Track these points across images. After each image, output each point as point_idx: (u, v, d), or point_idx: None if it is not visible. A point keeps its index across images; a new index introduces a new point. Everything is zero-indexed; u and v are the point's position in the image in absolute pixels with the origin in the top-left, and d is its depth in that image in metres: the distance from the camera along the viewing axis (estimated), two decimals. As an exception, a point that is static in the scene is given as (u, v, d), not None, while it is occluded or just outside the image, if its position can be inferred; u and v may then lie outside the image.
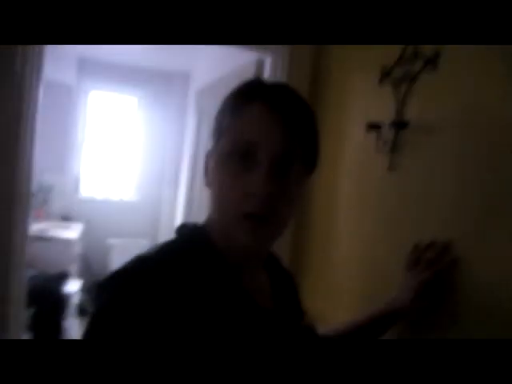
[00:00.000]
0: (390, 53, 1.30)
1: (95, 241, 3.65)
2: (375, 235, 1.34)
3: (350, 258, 1.45)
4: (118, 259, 3.62)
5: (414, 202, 1.20)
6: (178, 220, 3.50)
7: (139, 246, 3.74)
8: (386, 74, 1.32)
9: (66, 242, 3.02)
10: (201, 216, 2.28)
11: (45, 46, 1.32)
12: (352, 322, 0.93)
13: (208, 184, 0.64)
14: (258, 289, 0.65)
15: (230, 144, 0.57)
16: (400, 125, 1.22)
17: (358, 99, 1.47)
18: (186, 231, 0.65)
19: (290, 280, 0.80)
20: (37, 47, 1.30)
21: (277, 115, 0.56)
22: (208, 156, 0.65)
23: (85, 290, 3.18)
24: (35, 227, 3.08)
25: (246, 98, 0.59)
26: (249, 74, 1.79)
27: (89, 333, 0.51)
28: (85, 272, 3.49)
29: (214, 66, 2.66)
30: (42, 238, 2.93)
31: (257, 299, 0.61)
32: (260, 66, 1.76)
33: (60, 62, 3.14)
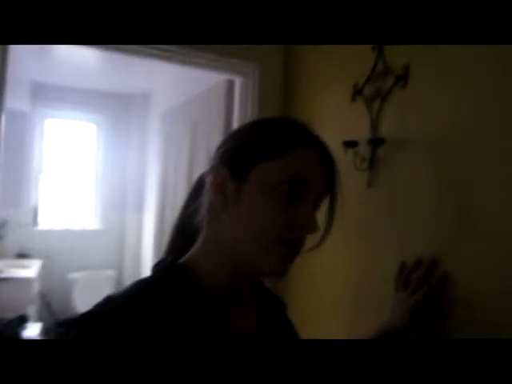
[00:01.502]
0: (360, 70, 1.32)
1: (55, 277, 3.41)
2: (357, 252, 1.32)
3: (332, 276, 1.43)
4: (81, 294, 3.41)
5: (394, 217, 1.20)
6: (146, 247, 3.37)
7: (104, 277, 3.55)
8: (358, 91, 1.33)
9: (24, 282, 2.80)
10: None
11: (4, 72, 1.25)
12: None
13: (223, 203, 0.60)
14: (244, 323, 0.62)
15: (278, 173, 0.59)
16: (376, 141, 1.22)
17: (332, 116, 1.47)
18: (163, 268, 0.62)
19: (281, 308, 0.77)
20: None
21: (322, 160, 0.62)
22: (222, 174, 0.61)
23: (45, 332, 2.94)
24: (-12, 267, 2.86)
25: (292, 138, 0.62)
26: (219, 95, 1.77)
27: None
28: (45, 312, 3.25)
29: (178, 89, 2.63)
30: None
31: (241, 333, 0.59)
32: (230, 86, 1.74)
33: (13, 87, 2.99)
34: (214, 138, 1.84)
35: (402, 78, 1.18)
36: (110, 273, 3.63)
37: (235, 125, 1.71)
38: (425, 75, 1.12)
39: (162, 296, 0.55)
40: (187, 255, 0.63)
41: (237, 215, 0.59)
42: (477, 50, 0.97)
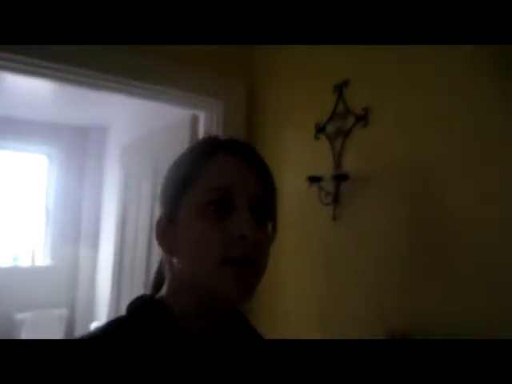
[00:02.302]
0: (321, 109, 1.40)
1: (1, 317, 3.15)
2: (323, 285, 1.35)
3: (297, 311, 1.44)
4: (30, 336, 3.16)
5: (358, 250, 1.25)
6: (101, 284, 3.21)
7: (54, 317, 3.33)
8: (320, 129, 1.40)
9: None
10: (133, 277, 2.09)
11: None
12: None
13: (169, 249, 0.59)
14: None
15: (201, 195, 0.56)
16: (340, 177, 1.28)
17: (296, 153, 1.53)
18: (138, 305, 0.60)
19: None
20: None
21: (243, 162, 0.58)
22: (162, 222, 0.60)
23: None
24: None
25: (207, 152, 0.59)
26: (184, 129, 1.78)
27: None
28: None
29: (140, 122, 2.60)
30: None
31: None
32: (194, 121, 1.76)
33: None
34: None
35: (363, 119, 1.26)
36: (61, 312, 3.40)
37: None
38: (384, 116, 1.21)
39: (135, 334, 0.53)
40: (160, 293, 0.62)
41: (181, 253, 0.57)
42: (430, 92, 1.07)
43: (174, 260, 0.58)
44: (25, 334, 3.16)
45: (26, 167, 3.69)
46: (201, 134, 1.73)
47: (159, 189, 0.64)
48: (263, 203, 0.59)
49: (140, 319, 0.56)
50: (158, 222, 0.61)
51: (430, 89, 1.08)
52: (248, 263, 0.54)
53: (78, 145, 3.73)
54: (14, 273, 3.38)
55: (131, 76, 1.49)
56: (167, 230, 0.59)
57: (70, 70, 1.39)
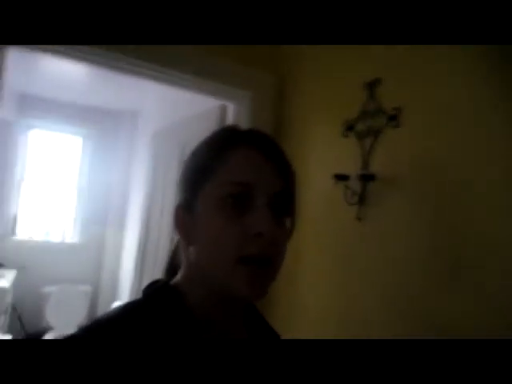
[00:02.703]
0: (351, 107, 1.37)
1: (29, 289, 3.30)
2: (343, 286, 1.34)
3: (317, 306, 1.43)
4: (55, 309, 3.30)
5: (380, 252, 1.22)
6: (125, 265, 3.31)
7: (79, 293, 3.46)
8: (349, 127, 1.38)
9: (-3, 292, 2.71)
10: (156, 261, 2.14)
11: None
12: None
13: (186, 237, 0.59)
14: None
15: (220, 188, 0.55)
16: (367, 177, 1.26)
17: (324, 150, 1.51)
18: (154, 290, 0.60)
19: (275, 339, 0.73)
20: None
21: (265, 157, 0.57)
22: (180, 209, 0.60)
23: (15, 345, 2.83)
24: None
25: (228, 143, 0.58)
26: (212, 119, 1.79)
27: None
28: (15, 324, 3.13)
29: (171, 109, 2.63)
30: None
31: None
32: (223, 111, 1.77)
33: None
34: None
35: (394, 119, 1.23)
36: (86, 288, 3.53)
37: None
38: (415, 117, 1.17)
39: (150, 320, 0.53)
40: (176, 278, 0.62)
41: (197, 243, 0.57)
42: (465, 94, 1.03)
43: (191, 249, 0.58)
44: (51, 306, 3.30)
45: (61, 147, 3.82)
46: (229, 123, 1.74)
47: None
48: (283, 199, 0.58)
49: (154, 304, 0.56)
50: (176, 209, 0.61)
51: (464, 91, 1.04)
52: (265, 261, 0.54)
53: (111, 128, 3.82)
54: (44, 247, 3.53)
55: (165, 64, 1.50)
56: (185, 218, 0.59)
57: (107, 55, 1.42)
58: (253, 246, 0.53)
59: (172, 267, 0.67)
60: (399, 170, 1.20)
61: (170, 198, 2.11)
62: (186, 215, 0.59)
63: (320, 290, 1.43)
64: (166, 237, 2.04)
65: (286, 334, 0.75)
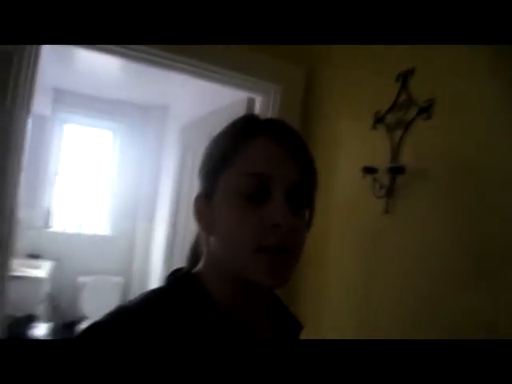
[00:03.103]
0: (381, 98, 1.34)
1: (65, 279, 3.44)
2: (369, 279, 1.33)
3: (342, 301, 1.43)
4: (89, 298, 3.42)
5: (408, 246, 1.20)
6: (155, 256, 3.38)
7: (112, 284, 3.57)
8: (379, 119, 1.35)
9: (35, 282, 2.83)
10: (184, 252, 2.18)
11: (35, 77, 1.30)
12: None
13: (206, 227, 0.60)
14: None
15: (238, 178, 0.55)
16: (396, 170, 1.24)
17: (352, 142, 1.49)
18: (176, 279, 0.61)
19: (297, 329, 0.73)
20: (27, 80, 1.28)
21: (284, 147, 0.56)
22: (200, 199, 0.60)
23: (53, 332, 2.96)
24: None
25: (247, 133, 0.58)
26: (239, 112, 1.79)
27: None
28: (53, 313, 3.28)
29: (199, 103, 2.65)
30: (8, 278, 2.73)
31: None
32: (251, 104, 1.77)
33: (36, 92, 3.06)
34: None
35: (426, 111, 1.19)
36: (118, 279, 3.64)
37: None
38: (448, 110, 1.14)
39: (172, 307, 0.54)
40: (198, 267, 0.63)
41: (216, 233, 0.57)
42: (501, 87, 0.99)
43: (211, 239, 0.58)
44: (85, 296, 3.43)
45: (94, 141, 3.93)
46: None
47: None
48: (301, 191, 0.57)
49: (176, 292, 0.57)
50: (196, 199, 0.61)
51: (501, 83, 1.00)
52: (283, 251, 0.54)
53: (141, 122, 3.89)
54: (78, 239, 3.65)
55: (195, 57, 1.52)
56: (205, 208, 0.59)
57: (139, 49, 1.44)
58: (271, 237, 0.53)
59: (194, 256, 0.68)
60: (429, 163, 1.17)
61: (198, 190, 2.14)
62: (206, 205, 0.59)
63: (345, 282, 1.42)
64: (192, 228, 2.08)
65: (310, 324, 0.75)
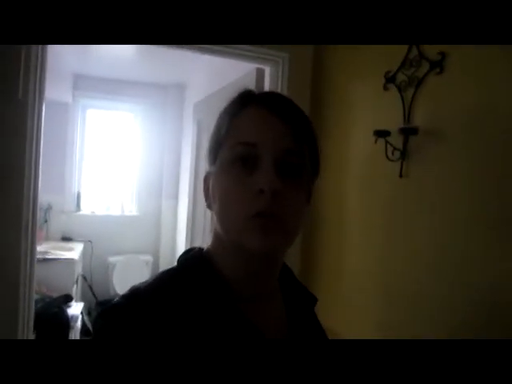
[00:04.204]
0: (392, 57, 1.28)
1: (96, 259, 3.58)
2: (387, 243, 1.30)
3: (360, 267, 1.41)
4: (120, 277, 3.56)
5: (426, 209, 1.16)
6: (180, 233, 3.46)
7: (141, 262, 3.69)
8: (390, 79, 1.29)
9: (69, 263, 2.96)
10: (205, 227, 2.20)
11: (45, 69, 1.33)
12: None
13: (208, 205, 0.61)
14: (269, 319, 0.60)
15: (230, 150, 0.56)
16: (409, 131, 1.19)
17: (363, 105, 1.44)
18: (188, 259, 0.62)
19: (311, 303, 0.72)
20: (38, 71, 1.30)
21: (273, 115, 0.56)
22: (207, 177, 0.62)
23: (87, 311, 3.11)
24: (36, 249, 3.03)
25: (240, 105, 0.58)
26: (249, 83, 1.76)
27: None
28: (87, 292, 3.43)
29: (211, 79, 2.64)
30: (43, 260, 2.88)
31: (266, 331, 0.57)
32: (260, 75, 1.73)
33: (56, 80, 3.12)
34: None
35: (438, 65, 1.13)
36: (147, 257, 3.75)
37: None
38: (462, 62, 1.07)
39: (184, 287, 0.56)
40: (208, 245, 0.63)
41: (215, 209, 0.58)
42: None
43: (213, 213, 0.59)
44: (117, 274, 3.57)
45: (116, 124, 3.99)
46: (266, 87, 1.70)
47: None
48: (293, 158, 0.56)
49: (187, 273, 0.58)
50: (204, 178, 0.62)
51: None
52: (271, 216, 0.53)
53: (160, 102, 3.91)
54: (106, 221, 3.77)
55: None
56: (208, 185, 0.60)
57: None
58: (258, 203, 0.53)
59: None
60: (444, 121, 1.12)
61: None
62: (209, 182, 0.60)
63: (363, 252, 1.40)
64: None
65: (326, 296, 0.75)
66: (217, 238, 0.61)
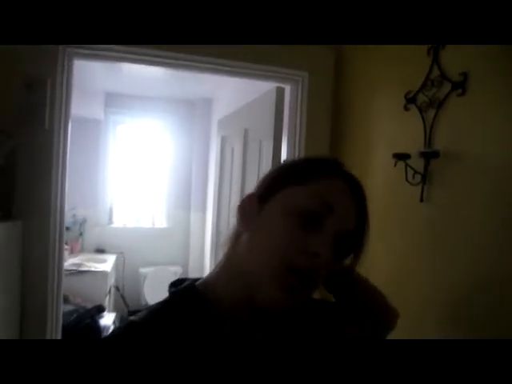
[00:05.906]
0: (413, 77, 1.24)
1: (128, 271, 3.69)
2: (407, 270, 1.26)
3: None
4: (151, 288, 3.64)
5: (447, 236, 1.11)
6: (208, 245, 3.49)
7: (171, 273, 3.75)
8: (411, 100, 1.26)
9: (102, 275, 3.07)
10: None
11: (70, 98, 1.39)
12: None
13: (246, 223, 0.60)
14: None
15: (303, 197, 0.57)
16: (430, 154, 1.15)
17: (383, 126, 1.41)
18: (177, 292, 0.62)
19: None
20: (64, 99, 1.37)
21: (353, 199, 0.60)
22: (252, 197, 0.61)
23: (120, 321, 3.20)
24: (71, 261, 3.16)
25: (327, 168, 0.62)
26: (269, 102, 1.77)
27: None
28: (119, 303, 3.53)
29: (234, 95, 2.68)
30: (78, 272, 3.00)
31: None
32: (280, 93, 1.73)
33: (89, 98, 3.25)
34: (264, 144, 1.85)
35: (460, 86, 1.09)
36: (177, 269, 3.82)
37: (285, 131, 1.70)
38: (485, 83, 1.03)
39: (173, 323, 0.56)
40: (206, 276, 0.63)
41: (254, 236, 0.58)
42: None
43: (244, 237, 0.59)
44: (148, 285, 3.65)
45: (145, 139, 4.10)
46: (286, 105, 1.70)
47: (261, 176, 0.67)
48: (349, 239, 0.59)
49: (176, 308, 0.58)
50: (249, 196, 0.62)
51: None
52: (307, 280, 0.55)
53: (188, 116, 3.98)
54: (138, 233, 3.87)
55: (230, 57, 1.54)
56: (253, 207, 0.60)
57: (179, 57, 1.52)
58: (302, 260, 0.54)
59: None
60: (466, 144, 1.07)
61: (236, 177, 2.18)
62: (255, 205, 0.60)
63: (384, 278, 1.36)
64: (233, 215, 2.14)
65: None
66: (226, 268, 0.61)
